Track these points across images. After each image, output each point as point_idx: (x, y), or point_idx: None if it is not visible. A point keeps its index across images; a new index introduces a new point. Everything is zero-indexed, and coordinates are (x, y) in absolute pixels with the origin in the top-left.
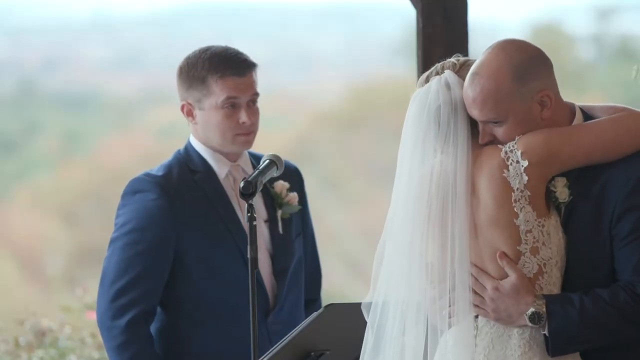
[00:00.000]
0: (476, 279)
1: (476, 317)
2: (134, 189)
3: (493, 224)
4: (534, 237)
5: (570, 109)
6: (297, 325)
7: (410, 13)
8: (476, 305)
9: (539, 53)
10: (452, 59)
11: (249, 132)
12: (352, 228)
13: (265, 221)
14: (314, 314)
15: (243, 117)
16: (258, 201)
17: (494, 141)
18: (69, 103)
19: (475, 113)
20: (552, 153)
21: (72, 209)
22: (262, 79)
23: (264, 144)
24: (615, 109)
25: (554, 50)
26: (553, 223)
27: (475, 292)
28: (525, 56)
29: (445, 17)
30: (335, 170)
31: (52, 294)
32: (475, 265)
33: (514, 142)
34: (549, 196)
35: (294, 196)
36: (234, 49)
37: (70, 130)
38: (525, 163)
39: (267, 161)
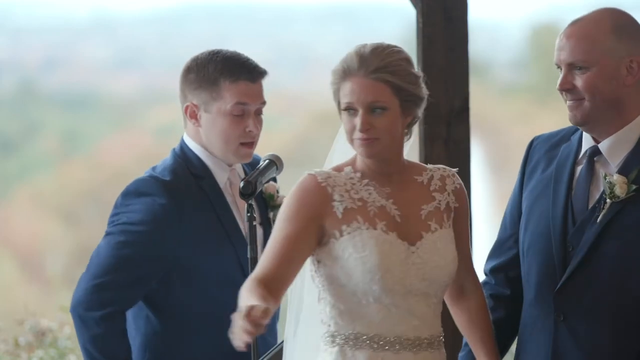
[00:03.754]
0: None
1: None
2: (140, 190)
3: None
4: None
5: None
6: None
7: (410, 13)
8: None
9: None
10: None
11: (252, 142)
12: None
13: (260, 224)
14: None
15: (250, 125)
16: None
17: (570, 90)
18: (69, 103)
19: (564, 53)
20: None
21: (72, 209)
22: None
23: (264, 144)
24: None
25: (554, 50)
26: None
27: None
28: (628, 20)
29: (445, 17)
30: None
31: (52, 294)
32: None
33: None
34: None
35: (283, 197)
36: (244, 55)
37: (70, 130)
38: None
39: (267, 161)
